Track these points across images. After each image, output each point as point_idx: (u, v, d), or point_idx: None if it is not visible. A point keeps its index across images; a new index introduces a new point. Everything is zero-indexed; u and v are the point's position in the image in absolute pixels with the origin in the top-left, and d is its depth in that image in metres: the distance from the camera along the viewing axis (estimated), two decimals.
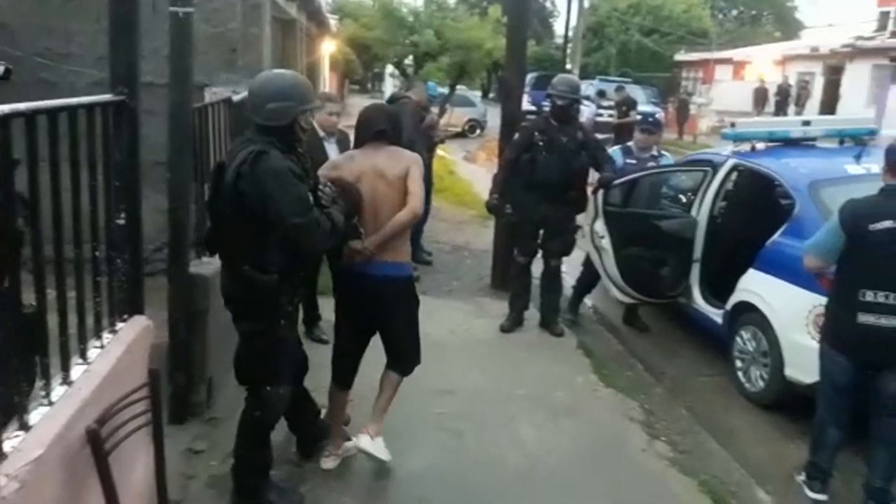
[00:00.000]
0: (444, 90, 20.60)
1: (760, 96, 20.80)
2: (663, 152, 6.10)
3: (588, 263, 5.78)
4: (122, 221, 2.68)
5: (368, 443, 3.37)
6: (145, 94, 2.83)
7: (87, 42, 4.85)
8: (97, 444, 2.11)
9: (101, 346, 2.51)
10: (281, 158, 2.74)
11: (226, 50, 5.94)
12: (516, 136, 5.29)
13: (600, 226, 5.31)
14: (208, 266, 3.77)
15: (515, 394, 4.38)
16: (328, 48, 18.27)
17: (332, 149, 4.94)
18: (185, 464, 3.38)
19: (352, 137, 3.64)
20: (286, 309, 2.95)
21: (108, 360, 2.43)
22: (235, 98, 4.33)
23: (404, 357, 3.45)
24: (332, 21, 20.48)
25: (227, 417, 3.81)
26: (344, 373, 3.49)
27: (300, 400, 3.40)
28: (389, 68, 25.62)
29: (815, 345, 3.66)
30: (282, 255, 2.81)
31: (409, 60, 22.04)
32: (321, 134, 4.88)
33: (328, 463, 3.47)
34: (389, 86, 25.46)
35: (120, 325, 2.69)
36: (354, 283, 3.31)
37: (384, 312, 3.36)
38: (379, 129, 3.34)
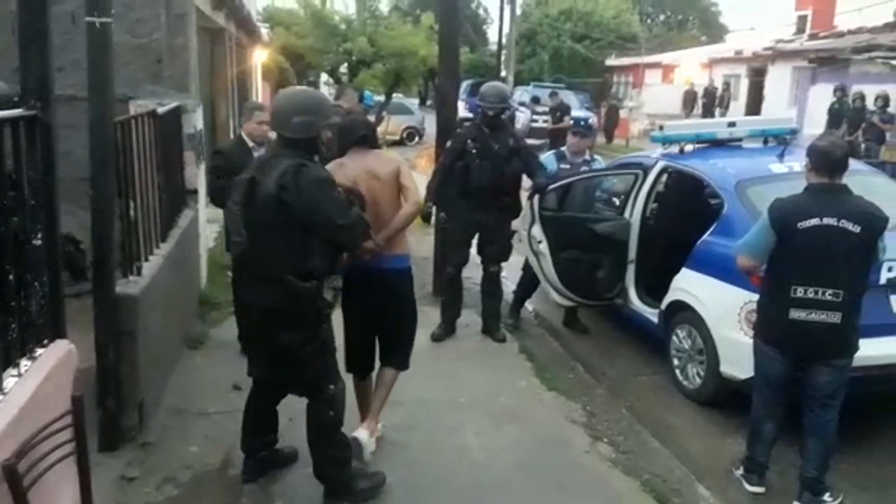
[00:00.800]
0: (381, 98, 20.55)
1: (689, 99, 21.43)
2: (595, 156, 6.20)
3: (527, 268, 5.82)
4: (38, 242, 2.55)
5: (367, 439, 3.60)
6: (67, 107, 2.74)
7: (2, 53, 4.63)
8: (14, 480, 1.98)
9: (19, 375, 2.38)
10: (320, 168, 3.00)
11: (151, 61, 5.77)
12: (449, 143, 5.31)
13: (537, 230, 5.35)
14: (135, 286, 3.63)
15: (459, 402, 4.36)
16: (260, 57, 17.94)
17: None
18: (119, 492, 3.26)
19: None
20: (326, 311, 3.06)
21: (26, 389, 2.30)
22: (161, 110, 4.19)
23: (402, 350, 3.72)
24: (263, 30, 20.15)
25: (160, 441, 3.69)
26: (360, 364, 3.70)
27: (267, 417, 3.44)
28: (324, 76, 25.41)
29: (749, 341, 3.76)
30: (323, 259, 2.97)
31: (343, 68, 21.90)
32: (250, 144, 4.77)
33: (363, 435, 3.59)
34: (325, 94, 25.26)
35: (39, 351, 2.55)
36: (365, 279, 3.49)
37: (392, 303, 3.60)
38: (361, 135, 3.58)
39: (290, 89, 3.40)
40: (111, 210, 3.45)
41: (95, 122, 3.30)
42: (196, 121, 5.67)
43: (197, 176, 5.73)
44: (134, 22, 5.63)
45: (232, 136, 10.70)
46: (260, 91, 18.91)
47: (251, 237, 2.92)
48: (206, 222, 6.47)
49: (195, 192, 5.75)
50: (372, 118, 7.90)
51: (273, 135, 4.46)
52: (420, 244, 8.04)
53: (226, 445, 3.69)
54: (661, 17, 45.15)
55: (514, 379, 4.73)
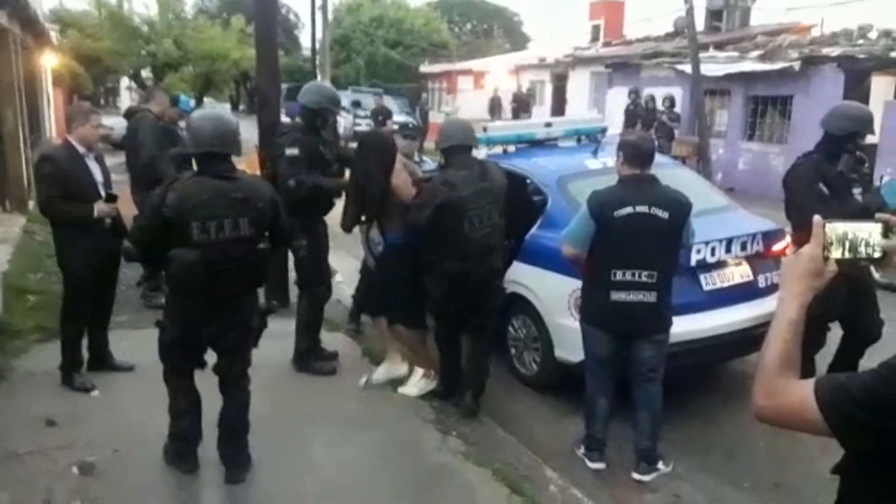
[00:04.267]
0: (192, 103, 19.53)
1: (496, 105, 22.35)
2: (424, 158, 6.27)
3: (364, 271, 5.75)
4: None
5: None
6: None
7: None
8: None
9: None
10: None
11: None
12: (296, 151, 4.70)
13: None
14: None
15: (304, 414, 4.21)
16: (50, 62, 16.35)
17: (94, 167, 4.40)
18: None
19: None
20: None
21: None
22: None
23: None
24: (52, 32, 18.39)
25: None
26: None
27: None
28: (125, 81, 23.70)
29: (578, 325, 3.97)
30: None
31: (147, 72, 20.54)
32: (80, 150, 4.32)
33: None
34: (126, 100, 23.55)
35: None
36: None
37: None
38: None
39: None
40: None
41: None
42: None
43: None
44: None
45: (22, 147, 9.65)
46: (51, 98, 17.25)
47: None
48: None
49: None
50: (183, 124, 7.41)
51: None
52: None
53: (42, 489, 3.29)
54: (469, 26, 46.96)
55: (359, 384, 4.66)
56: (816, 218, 1.45)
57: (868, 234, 1.42)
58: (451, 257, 4.09)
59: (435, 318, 4.51)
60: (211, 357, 3.48)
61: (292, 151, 4.55)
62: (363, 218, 4.52)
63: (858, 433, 1.27)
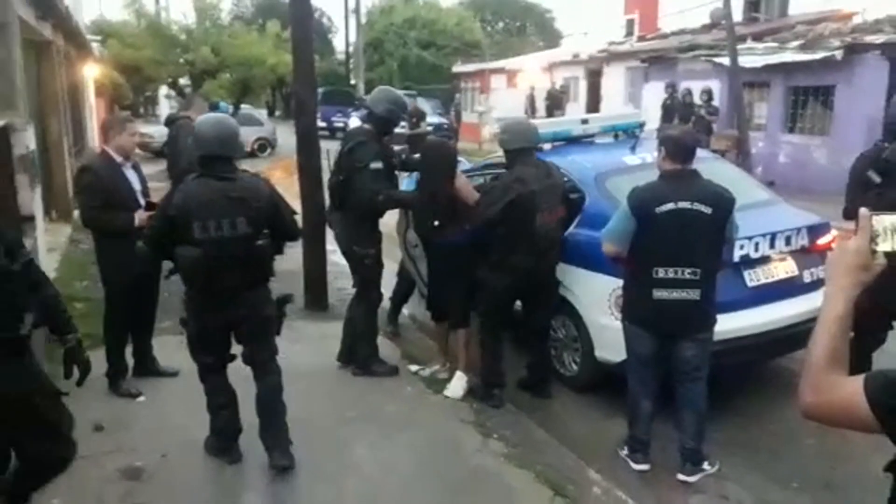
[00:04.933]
0: (230, 108, 19.82)
1: (531, 102, 22.27)
2: (459, 158, 6.24)
3: (401, 273, 5.77)
4: None
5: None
6: None
7: None
8: None
9: None
10: None
11: None
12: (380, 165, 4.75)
13: (412, 235, 5.32)
14: None
15: (346, 416, 4.24)
16: (91, 72, 16.76)
17: (132, 176, 4.48)
18: None
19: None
20: None
21: None
22: None
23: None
24: (94, 43, 18.85)
25: None
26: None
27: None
28: (164, 90, 24.18)
29: (619, 325, 3.92)
30: None
31: (185, 80, 20.92)
32: (118, 159, 4.41)
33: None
34: (166, 108, 24.01)
35: None
36: None
37: None
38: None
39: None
40: None
41: None
42: (27, 140, 5.16)
43: (32, 200, 5.21)
44: None
45: (67, 156, 9.89)
46: (94, 108, 17.67)
47: None
48: (47, 251, 5.91)
49: (32, 218, 5.22)
50: None
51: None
52: (284, 258, 7.77)
53: (92, 494, 3.37)
54: (501, 24, 46.86)
55: (399, 385, 4.68)
56: (863, 210, 1.40)
57: None
58: (519, 252, 4.30)
59: (484, 316, 4.54)
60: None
61: (377, 165, 4.63)
62: (435, 223, 4.56)
63: None
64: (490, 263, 4.43)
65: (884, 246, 1.38)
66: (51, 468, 2.98)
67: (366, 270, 4.88)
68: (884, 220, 1.38)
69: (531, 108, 21.79)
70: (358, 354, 4.92)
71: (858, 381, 1.30)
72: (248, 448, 3.76)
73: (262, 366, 3.67)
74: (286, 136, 11.75)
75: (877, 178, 4.03)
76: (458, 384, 4.62)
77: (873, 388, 1.27)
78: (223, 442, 3.75)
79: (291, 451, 3.65)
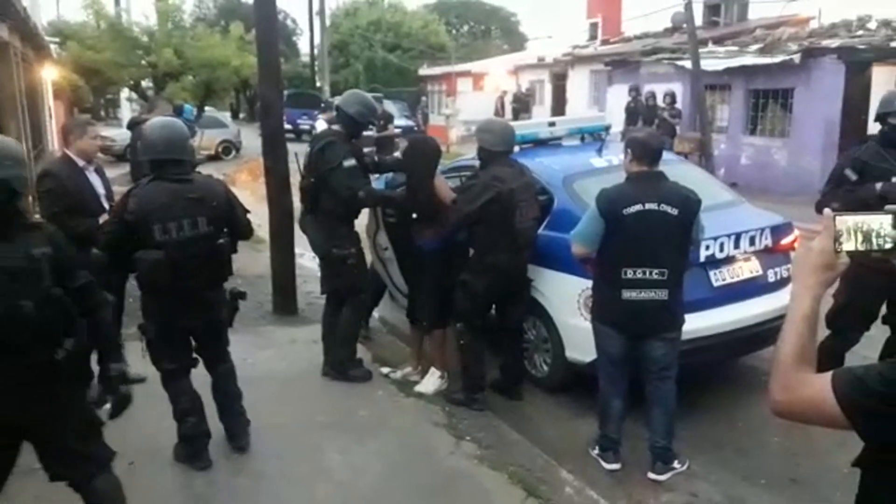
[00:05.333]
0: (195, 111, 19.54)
1: (501, 105, 22.40)
2: None
3: (372, 276, 5.74)
4: None
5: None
6: None
7: None
8: None
9: None
10: None
11: None
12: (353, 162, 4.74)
13: (383, 237, 5.30)
14: None
15: (317, 422, 4.20)
16: (50, 74, 16.39)
17: (95, 180, 4.39)
18: None
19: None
20: None
21: None
22: None
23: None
24: (52, 45, 18.44)
25: None
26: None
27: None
28: (126, 92, 23.74)
29: (589, 325, 3.95)
30: None
31: (147, 82, 20.57)
32: (80, 163, 4.32)
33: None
34: (127, 111, 23.55)
35: None
36: None
37: None
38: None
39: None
40: None
41: None
42: None
43: None
44: None
45: (26, 159, 9.64)
46: (53, 110, 17.30)
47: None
48: None
49: None
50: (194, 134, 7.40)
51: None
52: (251, 262, 7.71)
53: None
54: (466, 27, 47.02)
55: (370, 389, 4.65)
56: (826, 211, 1.45)
57: (879, 224, 1.41)
58: (499, 250, 4.33)
59: (464, 320, 4.53)
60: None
61: (350, 163, 4.59)
62: (413, 215, 4.59)
63: (877, 425, 1.26)
64: (470, 265, 4.44)
65: (847, 246, 1.42)
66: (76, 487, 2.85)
67: (349, 273, 4.77)
68: (847, 221, 1.42)
69: (501, 111, 21.87)
70: (334, 357, 4.87)
71: (826, 378, 1.32)
72: (218, 455, 3.72)
73: (217, 356, 3.76)
74: (251, 139, 11.67)
75: (853, 176, 4.18)
76: (430, 380, 4.66)
77: (841, 384, 1.30)
78: (191, 448, 3.70)
79: (263, 450, 3.72)
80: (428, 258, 4.59)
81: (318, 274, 5.26)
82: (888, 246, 1.41)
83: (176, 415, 3.66)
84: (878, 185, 4.09)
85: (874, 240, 1.41)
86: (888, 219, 1.40)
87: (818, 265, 1.43)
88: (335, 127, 4.87)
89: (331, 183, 4.58)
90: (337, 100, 5.36)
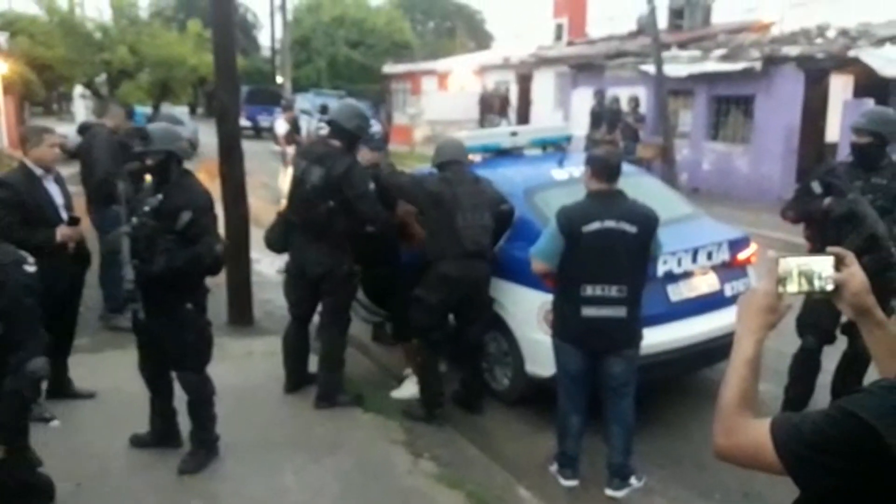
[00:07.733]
0: (148, 110, 19.11)
1: (486, 105, 21.72)
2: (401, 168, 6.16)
3: None
4: None
5: None
6: None
7: None
8: None
9: None
10: None
11: None
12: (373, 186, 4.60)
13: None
14: None
15: (272, 440, 4.11)
16: (0, 69, 15.88)
17: (53, 189, 4.24)
18: None
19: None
20: None
21: None
22: None
23: None
24: (1, 37, 17.86)
25: None
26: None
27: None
28: (79, 88, 23.11)
29: (548, 340, 3.94)
30: None
31: (101, 79, 20.04)
32: (38, 172, 4.15)
33: None
34: (81, 107, 22.93)
35: None
36: None
37: None
38: None
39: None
40: None
41: None
42: None
43: None
44: None
45: None
46: (2, 105, 16.78)
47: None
48: None
49: None
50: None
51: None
52: None
53: None
54: (431, 25, 46.82)
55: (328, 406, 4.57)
56: (770, 253, 1.47)
57: (821, 267, 1.43)
58: (447, 257, 4.33)
59: (421, 335, 4.49)
60: None
61: (373, 186, 4.48)
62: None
63: (811, 474, 1.26)
64: (423, 280, 4.41)
65: (790, 288, 1.44)
66: None
67: (346, 291, 4.65)
68: (789, 263, 1.44)
69: (488, 110, 21.29)
70: (327, 387, 4.60)
71: (766, 424, 1.32)
72: (170, 475, 3.62)
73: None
74: (208, 136, 11.31)
75: (818, 190, 4.25)
76: (407, 386, 4.80)
77: (779, 432, 1.30)
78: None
79: (218, 469, 3.71)
80: (406, 273, 4.65)
81: (278, 282, 5.18)
82: (829, 287, 1.44)
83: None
84: (827, 200, 4.17)
85: (816, 282, 1.43)
86: (829, 261, 1.43)
87: (761, 307, 1.44)
88: (335, 142, 4.53)
89: (360, 208, 4.39)
90: (330, 112, 5.17)
